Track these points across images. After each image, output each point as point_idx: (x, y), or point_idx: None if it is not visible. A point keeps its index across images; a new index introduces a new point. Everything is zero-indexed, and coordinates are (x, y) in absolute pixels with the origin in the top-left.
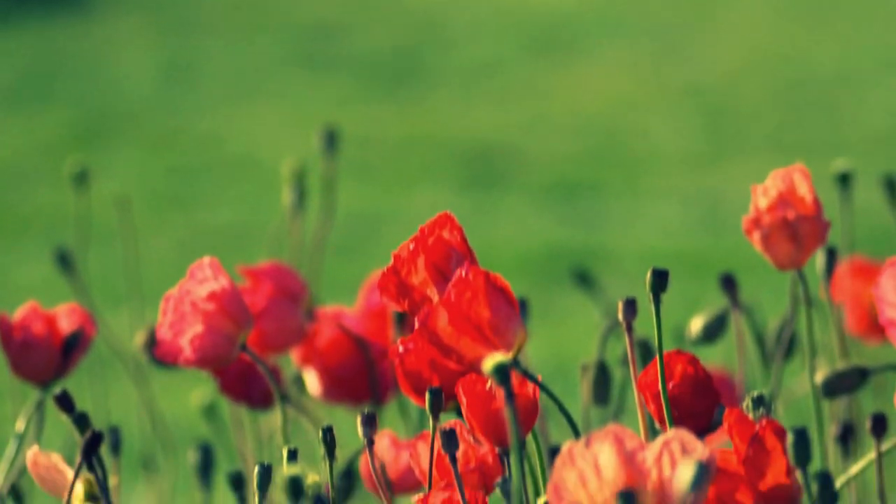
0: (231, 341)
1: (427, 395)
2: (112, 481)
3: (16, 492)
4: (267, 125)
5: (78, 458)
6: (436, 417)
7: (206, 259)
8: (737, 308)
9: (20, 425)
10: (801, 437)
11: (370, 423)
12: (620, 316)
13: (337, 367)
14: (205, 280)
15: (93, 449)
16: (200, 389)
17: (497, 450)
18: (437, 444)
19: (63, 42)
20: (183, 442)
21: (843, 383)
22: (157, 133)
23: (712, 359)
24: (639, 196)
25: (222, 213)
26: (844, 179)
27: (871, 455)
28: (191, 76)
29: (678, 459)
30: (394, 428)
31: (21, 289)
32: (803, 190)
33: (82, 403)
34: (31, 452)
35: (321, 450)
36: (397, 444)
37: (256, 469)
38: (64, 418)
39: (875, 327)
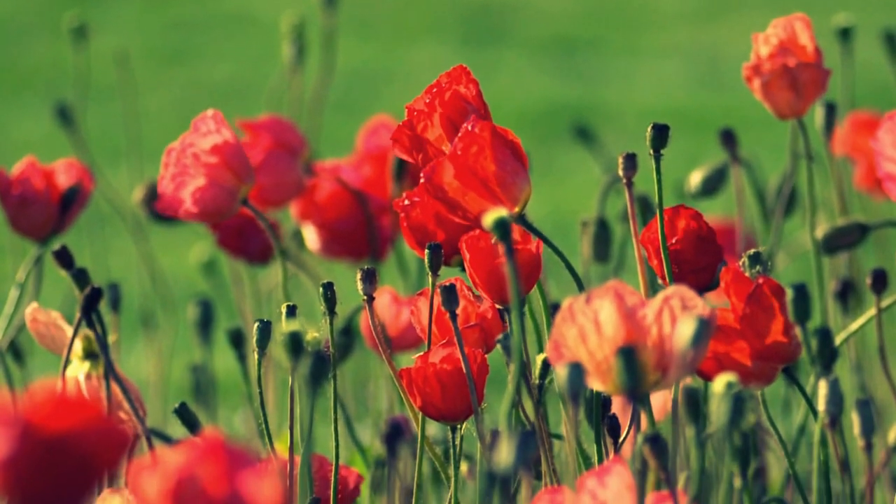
0: (232, 195)
1: (426, 252)
2: (111, 338)
3: (15, 348)
4: None
5: (77, 315)
6: (435, 274)
7: (210, 112)
8: (736, 163)
9: (19, 280)
10: (801, 293)
11: (370, 280)
12: (620, 171)
13: (336, 221)
14: (208, 133)
15: (92, 305)
16: (199, 246)
17: (498, 306)
18: (438, 300)
19: None
20: (182, 299)
21: (843, 239)
22: None
23: (712, 216)
24: (638, 53)
25: (221, 69)
26: (845, 34)
27: (872, 311)
28: None
29: (678, 316)
30: (393, 285)
31: (20, 144)
32: (804, 38)
33: (81, 260)
34: (30, 309)
35: (321, 306)
36: (397, 300)
37: (256, 326)
38: (63, 274)
39: (879, 181)
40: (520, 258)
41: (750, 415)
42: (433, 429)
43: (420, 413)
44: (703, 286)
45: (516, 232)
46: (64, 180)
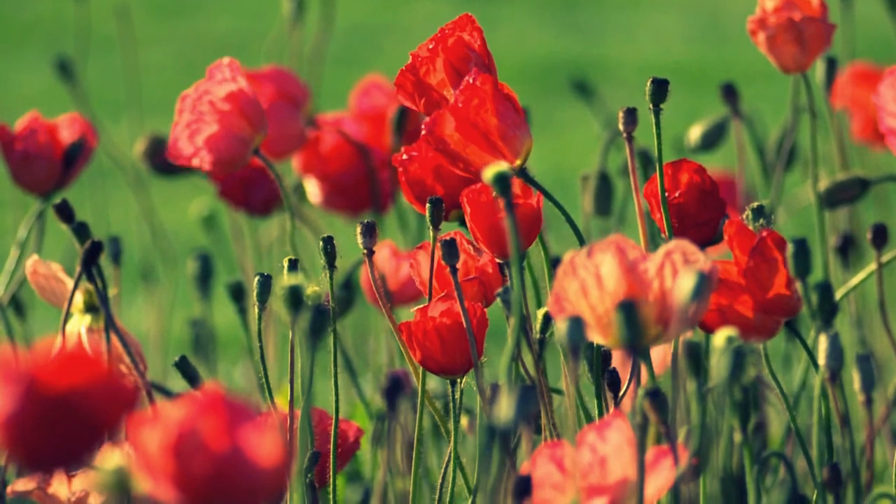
0: (246, 144)
1: (428, 206)
2: (111, 292)
3: (16, 303)
4: None
5: (77, 268)
6: (436, 228)
7: (226, 59)
8: (737, 117)
9: (21, 235)
10: (801, 247)
11: (370, 233)
12: (621, 126)
13: (338, 174)
14: (223, 81)
15: (92, 258)
16: (200, 200)
17: (499, 260)
18: (438, 254)
19: None
20: (182, 253)
21: (844, 193)
22: None
23: (713, 169)
24: (638, 7)
25: (222, 22)
26: None
27: (872, 266)
28: None
29: (680, 270)
30: (393, 239)
31: (20, 98)
32: None
33: (82, 215)
34: (31, 261)
35: (321, 260)
36: (397, 254)
37: (256, 279)
38: (64, 229)
39: (880, 134)
40: (520, 213)
41: (750, 369)
42: (433, 383)
43: (420, 367)
44: (706, 240)
45: (517, 186)
46: (67, 135)
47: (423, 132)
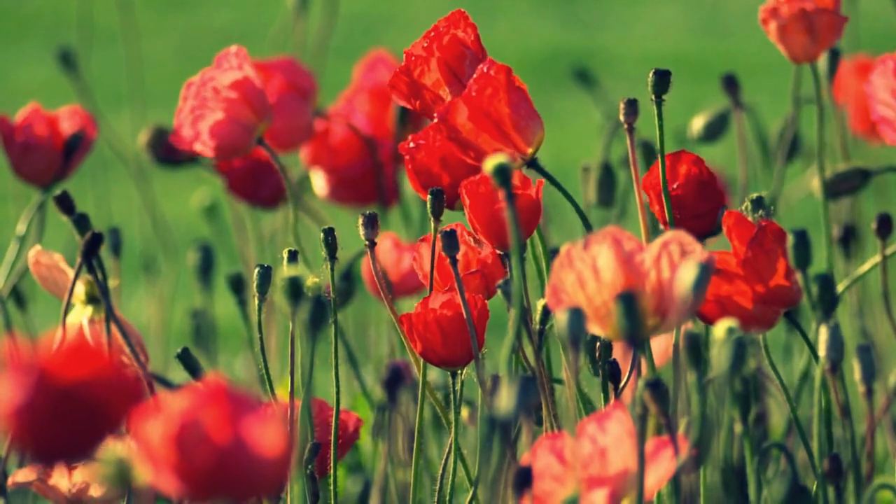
0: (249, 132)
1: (429, 198)
2: (112, 283)
3: (17, 294)
4: None
5: (78, 259)
6: (437, 219)
7: (233, 48)
8: (738, 108)
9: (21, 227)
10: (801, 239)
11: (371, 225)
12: (622, 117)
13: (345, 167)
14: (229, 69)
15: (93, 249)
16: (201, 190)
17: (499, 252)
18: (439, 246)
19: None
20: (183, 244)
21: (845, 184)
22: None
23: (714, 162)
24: None
25: (224, 14)
26: None
27: (876, 258)
28: None
29: (676, 261)
30: (397, 232)
31: (22, 90)
32: None
33: (84, 206)
34: (34, 251)
35: (323, 251)
36: (399, 246)
37: (256, 271)
38: (65, 220)
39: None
40: (520, 203)
41: (751, 360)
42: (434, 374)
43: (421, 359)
44: (705, 231)
45: (516, 177)
46: (67, 127)
47: (436, 120)
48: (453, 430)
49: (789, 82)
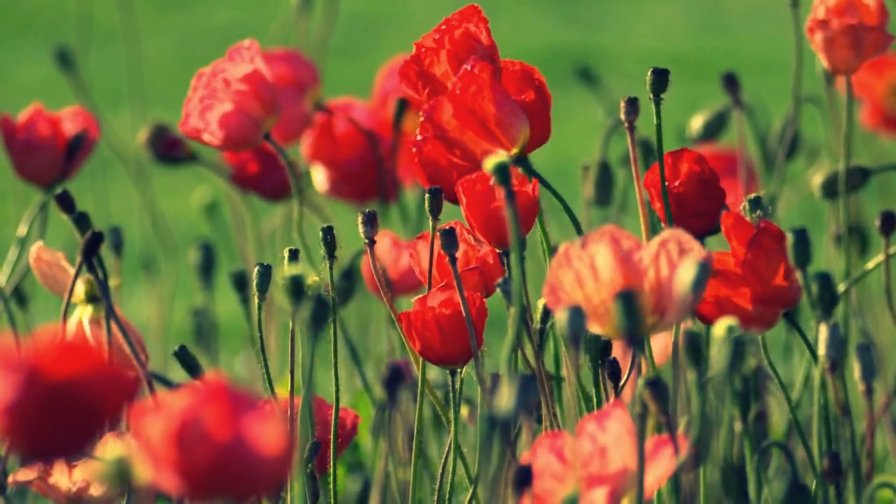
0: (258, 125)
1: (427, 196)
2: (113, 282)
3: (18, 293)
4: None
5: (78, 258)
6: (435, 217)
7: (246, 41)
8: (739, 107)
9: (23, 227)
10: (801, 237)
11: (371, 223)
12: (622, 115)
13: (346, 161)
14: (241, 61)
15: (93, 249)
16: (202, 189)
17: (497, 250)
18: (438, 244)
19: None
20: (184, 243)
21: (846, 183)
22: None
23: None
24: None
25: (223, 13)
26: None
27: (880, 257)
28: None
29: (675, 259)
30: (395, 230)
31: (21, 89)
32: None
33: (84, 205)
34: (35, 247)
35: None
36: (398, 244)
37: (256, 269)
38: (65, 219)
39: (887, 122)
40: (517, 201)
41: (750, 359)
42: (434, 373)
43: (420, 357)
44: (706, 230)
45: (513, 175)
46: (70, 127)
47: (422, 118)
48: (453, 428)
49: (790, 81)
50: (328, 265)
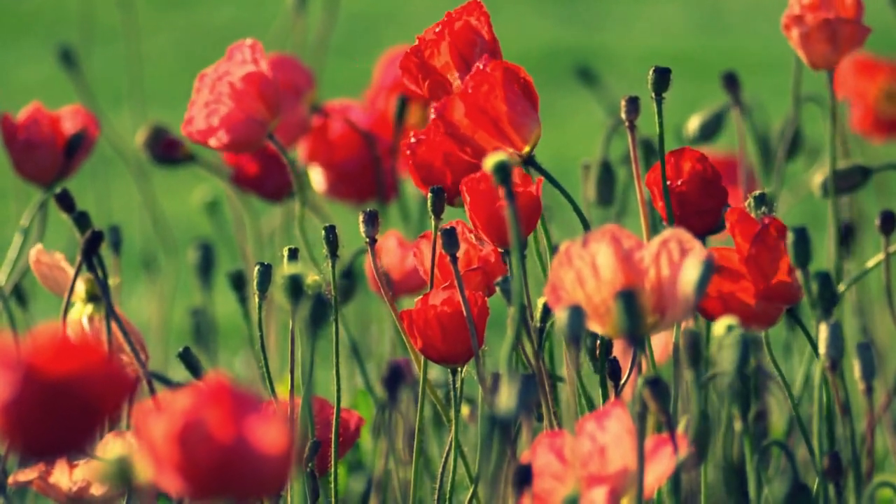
0: (262, 126)
1: (429, 195)
2: (113, 281)
3: (18, 292)
4: None
5: (78, 258)
6: (437, 217)
7: (248, 40)
8: (738, 107)
9: (24, 221)
10: (801, 236)
11: (372, 222)
12: (623, 114)
13: (344, 162)
14: (243, 62)
15: (93, 247)
16: (202, 188)
17: (500, 249)
18: (440, 243)
19: None
20: (184, 242)
21: (845, 182)
22: None
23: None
24: None
25: (224, 12)
26: None
27: (880, 256)
28: None
29: (676, 258)
30: (397, 228)
31: (22, 88)
32: None
33: (84, 204)
34: (35, 250)
35: (324, 248)
36: (403, 244)
37: (256, 268)
38: (65, 218)
39: (878, 125)
40: (520, 201)
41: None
42: (435, 372)
43: (421, 356)
44: (708, 229)
45: (516, 174)
46: (70, 126)
47: (433, 116)
48: (454, 427)
49: (790, 80)
50: (330, 264)
